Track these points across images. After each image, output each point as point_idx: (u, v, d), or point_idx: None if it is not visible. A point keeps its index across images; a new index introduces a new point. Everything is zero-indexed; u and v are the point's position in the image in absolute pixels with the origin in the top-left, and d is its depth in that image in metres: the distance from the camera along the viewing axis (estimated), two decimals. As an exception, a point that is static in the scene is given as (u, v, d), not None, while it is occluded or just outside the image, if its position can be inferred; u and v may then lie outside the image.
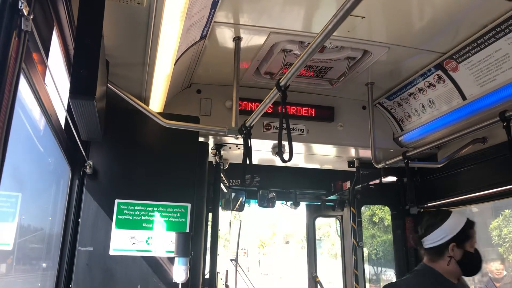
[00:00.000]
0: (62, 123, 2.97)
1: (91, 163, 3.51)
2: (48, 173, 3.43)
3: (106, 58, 2.92)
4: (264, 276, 35.39)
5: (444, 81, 3.96)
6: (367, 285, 5.75)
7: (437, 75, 3.95)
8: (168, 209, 3.61)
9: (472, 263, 3.02)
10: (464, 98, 3.92)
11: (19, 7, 1.45)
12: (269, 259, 41.96)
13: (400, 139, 4.91)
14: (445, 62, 3.77)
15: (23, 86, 2.02)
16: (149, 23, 2.53)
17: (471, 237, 3.01)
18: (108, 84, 3.12)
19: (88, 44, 2.12)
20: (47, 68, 2.26)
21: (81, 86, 2.10)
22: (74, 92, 2.10)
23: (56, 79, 2.43)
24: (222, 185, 5.07)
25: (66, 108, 2.82)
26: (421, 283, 3.05)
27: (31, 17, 1.53)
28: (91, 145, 3.58)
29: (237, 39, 3.52)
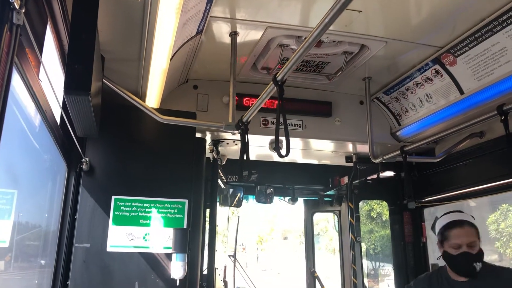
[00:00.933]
0: (58, 119, 2.95)
1: (87, 159, 3.49)
2: (44, 170, 3.41)
3: (101, 53, 2.89)
4: (263, 271, 35.48)
5: (441, 76, 3.95)
6: (365, 280, 5.76)
7: (435, 69, 3.94)
8: (166, 205, 3.60)
9: (451, 264, 3.12)
10: (461, 92, 3.91)
11: (11, 0, 1.43)
12: (268, 255, 42.07)
13: (397, 133, 4.90)
14: (442, 56, 3.76)
15: (17, 81, 2.00)
16: (145, 18, 2.51)
17: (448, 238, 3.08)
18: (103, 80, 3.09)
19: (83, 39, 2.10)
20: (41, 63, 2.23)
21: (76, 82, 2.08)
22: (69, 87, 2.09)
23: (51, 74, 2.40)
24: (219, 181, 5.06)
25: (61, 104, 2.80)
26: (427, 275, 3.38)
27: (23, 10, 1.51)
28: (87, 142, 3.56)
29: (233, 34, 3.49)
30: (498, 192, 4.55)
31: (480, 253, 3.02)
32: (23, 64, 1.94)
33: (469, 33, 3.38)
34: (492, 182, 4.24)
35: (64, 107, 2.73)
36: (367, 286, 5.97)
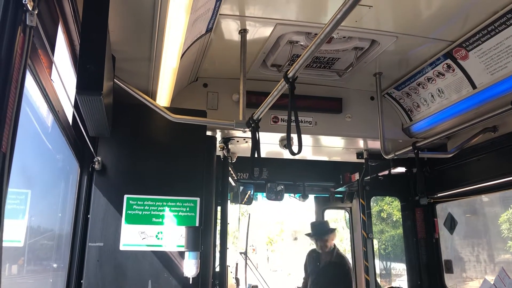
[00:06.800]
0: (70, 119, 2.97)
1: (99, 159, 3.51)
2: (57, 170, 3.44)
3: (112, 53, 2.90)
4: (273, 272, 35.43)
5: (453, 70, 3.90)
6: (378, 278, 5.74)
7: (446, 64, 3.89)
8: (178, 204, 3.61)
9: None
10: (474, 86, 3.86)
11: (24, 2, 1.44)
12: (278, 256, 42.01)
13: (409, 129, 4.86)
14: (454, 50, 3.71)
15: (30, 82, 2.01)
16: (155, 17, 2.51)
17: None
18: (114, 80, 3.11)
19: (94, 39, 2.11)
20: (53, 64, 2.25)
21: (88, 82, 2.09)
22: (81, 88, 2.10)
23: (63, 75, 2.42)
24: (230, 179, 5.06)
25: (73, 104, 2.82)
26: None
27: (36, 12, 1.52)
28: (99, 141, 3.58)
29: (243, 32, 3.49)
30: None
31: None
32: (36, 65, 1.95)
33: (481, 26, 3.33)
34: (506, 177, 4.18)
35: (76, 107, 2.75)
36: (379, 283, 5.94)
